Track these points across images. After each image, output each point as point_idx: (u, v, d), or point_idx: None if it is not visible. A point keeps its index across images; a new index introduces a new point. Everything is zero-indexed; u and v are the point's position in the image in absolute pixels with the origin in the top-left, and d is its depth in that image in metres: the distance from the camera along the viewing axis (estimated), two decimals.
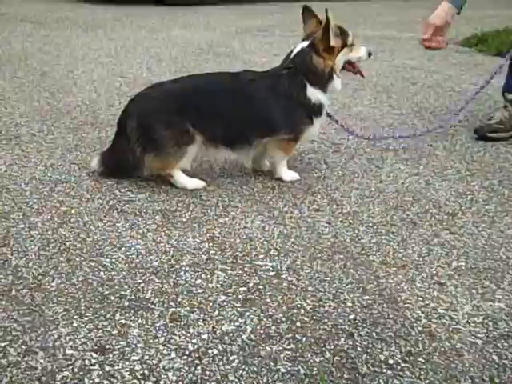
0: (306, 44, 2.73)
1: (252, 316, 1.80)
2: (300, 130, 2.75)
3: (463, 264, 2.13)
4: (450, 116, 3.63)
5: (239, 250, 2.18)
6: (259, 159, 2.88)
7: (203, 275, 2.01)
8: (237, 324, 1.76)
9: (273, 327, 1.75)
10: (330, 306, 1.86)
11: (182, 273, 2.02)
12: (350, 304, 1.87)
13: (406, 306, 1.88)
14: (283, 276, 2.02)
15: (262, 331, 1.73)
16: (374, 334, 1.74)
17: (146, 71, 4.91)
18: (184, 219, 2.40)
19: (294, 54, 2.76)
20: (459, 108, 3.50)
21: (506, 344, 1.71)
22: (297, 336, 1.72)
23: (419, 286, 1.99)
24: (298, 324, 1.77)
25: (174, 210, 2.47)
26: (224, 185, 2.73)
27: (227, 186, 2.72)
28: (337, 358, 1.64)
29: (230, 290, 1.93)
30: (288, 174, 2.82)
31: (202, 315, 1.80)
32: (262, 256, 2.14)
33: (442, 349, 1.68)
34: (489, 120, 3.51)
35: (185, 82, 2.78)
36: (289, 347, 1.67)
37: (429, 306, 1.88)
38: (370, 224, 2.40)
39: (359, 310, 1.85)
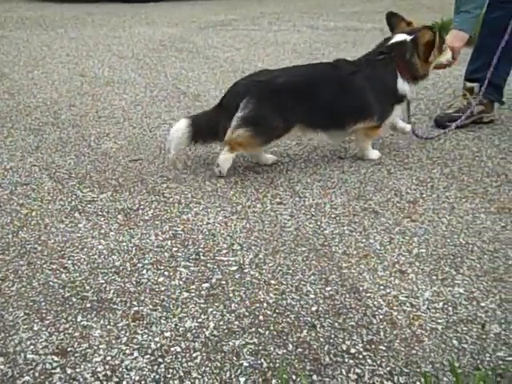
0: (408, 38, 2.90)
1: (215, 312, 1.80)
2: (385, 117, 2.95)
3: (424, 251, 2.15)
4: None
5: (202, 246, 2.18)
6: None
7: (166, 273, 2.01)
8: (200, 320, 1.76)
9: (236, 322, 1.76)
10: (292, 298, 1.87)
11: (145, 271, 2.01)
12: (312, 296, 1.89)
13: (367, 295, 1.89)
14: (246, 270, 2.02)
15: (224, 326, 1.74)
16: (336, 324, 1.75)
17: (107, 70, 4.86)
18: (146, 217, 2.39)
19: (393, 41, 2.93)
20: None
21: (465, 328, 1.74)
22: (259, 330, 1.72)
23: (381, 274, 2.01)
24: (261, 318, 1.78)
25: (136, 209, 2.46)
26: (187, 181, 2.72)
27: (190, 182, 2.71)
28: (299, 349, 1.65)
29: (192, 287, 1.93)
30: (375, 154, 3.03)
31: (164, 313, 1.79)
32: (224, 251, 2.14)
33: (403, 336, 1.71)
34: (448, 109, 3.55)
35: (296, 75, 2.87)
36: (251, 341, 1.68)
37: (390, 294, 1.90)
38: (333, 215, 2.42)
39: (322, 301, 1.86)
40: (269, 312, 1.80)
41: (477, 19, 3.26)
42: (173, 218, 2.39)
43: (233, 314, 1.79)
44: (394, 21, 3.03)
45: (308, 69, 3.02)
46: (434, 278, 1.99)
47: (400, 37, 2.94)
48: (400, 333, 1.72)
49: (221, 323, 1.75)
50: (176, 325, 1.74)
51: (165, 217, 2.40)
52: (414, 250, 2.16)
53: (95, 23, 7.27)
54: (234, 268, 2.04)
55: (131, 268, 2.03)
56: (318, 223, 2.35)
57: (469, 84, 3.53)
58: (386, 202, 2.54)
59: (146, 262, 2.07)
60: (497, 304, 1.85)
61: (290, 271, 2.02)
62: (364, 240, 2.23)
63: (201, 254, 2.13)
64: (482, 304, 1.85)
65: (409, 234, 2.28)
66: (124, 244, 2.19)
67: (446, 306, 1.84)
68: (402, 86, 2.92)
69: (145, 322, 1.75)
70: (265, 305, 1.84)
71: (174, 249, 2.16)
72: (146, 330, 1.72)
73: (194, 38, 6.26)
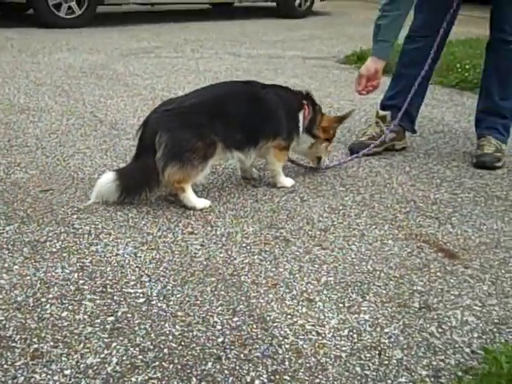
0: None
1: (119, 346, 1.76)
2: (291, 139, 3.02)
3: (332, 279, 2.18)
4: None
5: (109, 278, 2.13)
6: (249, 169, 3.12)
7: (70, 307, 1.95)
8: (102, 356, 1.72)
9: (140, 356, 1.72)
10: (199, 330, 1.85)
11: (48, 306, 1.95)
12: (219, 327, 1.87)
13: (274, 324, 1.89)
14: (153, 302, 1.99)
15: (128, 361, 1.70)
16: (241, 355, 1.74)
17: (23, 97, 4.75)
18: (54, 249, 2.33)
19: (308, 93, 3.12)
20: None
21: (368, 355, 1.76)
22: (163, 363, 1.69)
23: (289, 303, 2.02)
24: (166, 351, 1.75)
25: (43, 241, 2.39)
26: (98, 211, 2.67)
27: (101, 212, 2.66)
28: (203, 382, 1.63)
29: (97, 321, 1.88)
30: (288, 181, 3.09)
31: (66, 349, 1.74)
32: (132, 283, 2.10)
33: (308, 364, 1.71)
34: (361, 136, 3.64)
35: (205, 94, 2.87)
36: (155, 376, 1.65)
37: (297, 323, 1.90)
38: (244, 244, 2.42)
39: (228, 332, 1.85)
40: (174, 345, 1.78)
41: (393, 46, 3.38)
42: (81, 249, 2.34)
43: (137, 348, 1.76)
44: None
45: (217, 88, 3.04)
46: (341, 305, 2.01)
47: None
48: (305, 362, 1.72)
49: (124, 358, 1.71)
50: (77, 361, 1.69)
51: (73, 248, 2.34)
52: (323, 278, 2.19)
53: (14, 48, 7.10)
54: (142, 300, 2.00)
55: (34, 303, 1.97)
56: (229, 253, 2.34)
57: (381, 112, 3.65)
58: (298, 230, 2.56)
59: (50, 296, 2.01)
60: (400, 330, 1.89)
61: (198, 302, 2.00)
62: (274, 269, 2.24)
63: (108, 286, 2.08)
64: (386, 330, 1.88)
65: (318, 262, 2.30)
66: (28, 278, 2.12)
67: (351, 333, 1.87)
68: (302, 121, 3.04)
69: (44, 359, 1.70)
70: (170, 337, 1.81)
71: (81, 281, 2.11)
72: (45, 369, 1.66)
73: (115, 66, 6.20)
